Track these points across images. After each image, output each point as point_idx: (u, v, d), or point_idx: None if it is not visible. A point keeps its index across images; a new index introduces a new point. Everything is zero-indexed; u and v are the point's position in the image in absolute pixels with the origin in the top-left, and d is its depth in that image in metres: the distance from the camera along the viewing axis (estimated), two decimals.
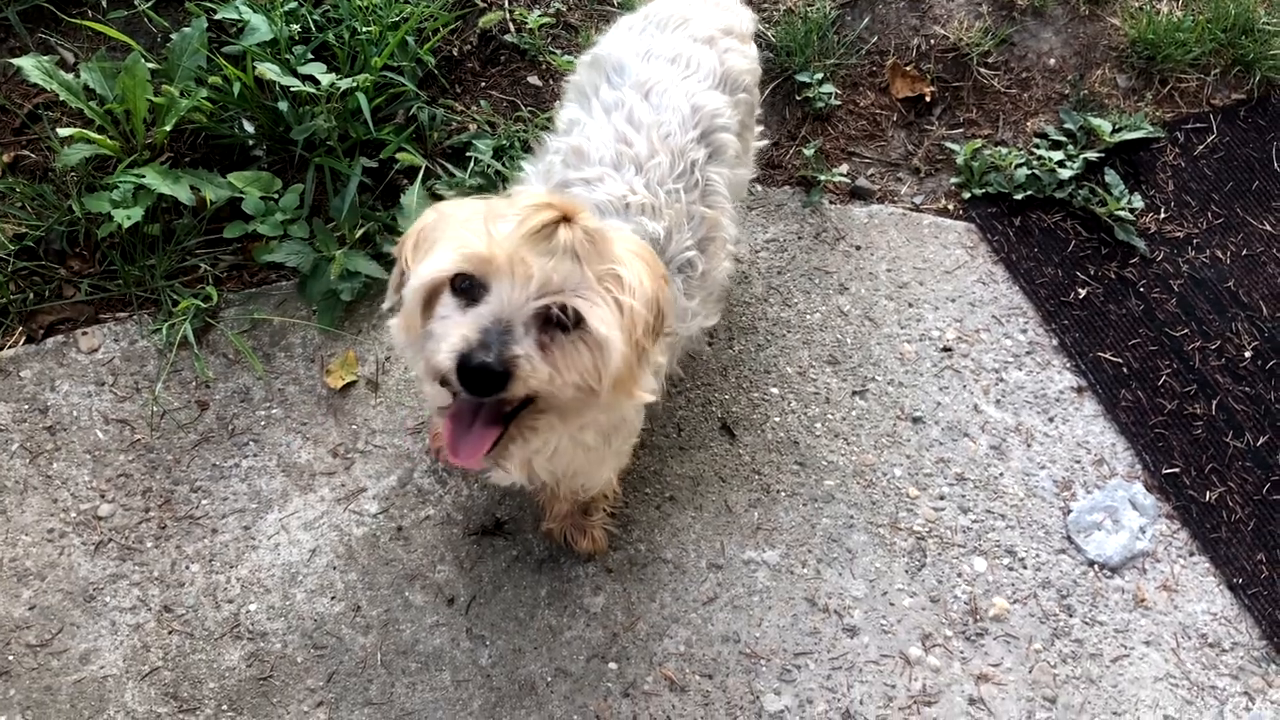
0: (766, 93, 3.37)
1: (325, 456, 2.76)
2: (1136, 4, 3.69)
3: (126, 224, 2.71)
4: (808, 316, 3.10)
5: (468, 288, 1.71)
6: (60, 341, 2.82)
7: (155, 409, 2.77)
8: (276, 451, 2.76)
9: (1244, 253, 3.32)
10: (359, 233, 2.86)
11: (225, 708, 2.49)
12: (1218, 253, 3.31)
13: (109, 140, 2.82)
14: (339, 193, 2.88)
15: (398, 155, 2.85)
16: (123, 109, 2.86)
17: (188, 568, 2.63)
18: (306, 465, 2.75)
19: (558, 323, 1.70)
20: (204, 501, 2.70)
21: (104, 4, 3.10)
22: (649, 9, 2.49)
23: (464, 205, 1.78)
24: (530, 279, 1.66)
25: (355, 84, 2.82)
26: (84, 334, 2.83)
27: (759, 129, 2.77)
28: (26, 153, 2.97)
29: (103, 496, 2.68)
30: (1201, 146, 3.50)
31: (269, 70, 2.77)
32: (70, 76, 2.86)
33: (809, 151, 3.26)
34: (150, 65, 2.89)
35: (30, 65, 2.80)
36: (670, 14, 2.43)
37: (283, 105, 2.84)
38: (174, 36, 2.93)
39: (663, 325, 1.85)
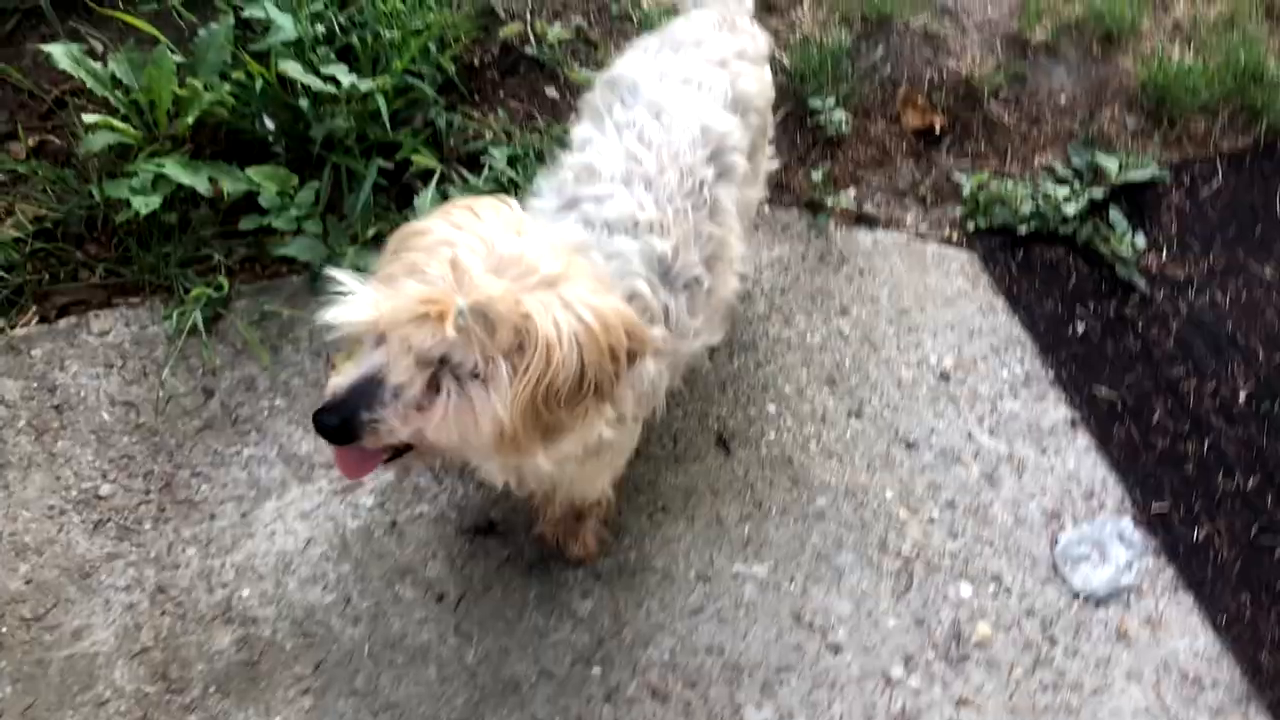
0: (779, 117, 3.43)
1: (325, 449, 2.80)
2: (1148, 48, 3.74)
3: (144, 211, 2.77)
4: (808, 336, 3.14)
5: None
6: (72, 323, 2.88)
7: (161, 393, 2.82)
8: (278, 442, 2.81)
9: (1243, 297, 3.36)
10: (371, 232, 2.91)
11: (213, 690, 2.52)
12: (1217, 295, 3.35)
13: (132, 129, 2.88)
14: (354, 191, 2.94)
15: (413, 158, 2.91)
16: (147, 99, 2.93)
17: (184, 550, 2.67)
18: (306, 456, 2.79)
19: (438, 388, 1.80)
20: (204, 487, 2.74)
21: None
22: (666, 32, 2.54)
23: (450, 231, 1.81)
24: (409, 350, 1.75)
25: (375, 86, 2.88)
26: (96, 316, 2.88)
27: (770, 150, 2.83)
28: (51, 138, 3.04)
29: (104, 476, 2.73)
30: (1206, 190, 3.54)
31: (291, 69, 2.83)
32: (98, 65, 2.93)
33: (818, 176, 3.31)
34: (176, 58, 2.96)
35: (60, 52, 2.87)
36: (685, 37, 2.48)
37: (303, 103, 2.90)
38: (201, 32, 3.00)
39: (592, 391, 1.87)
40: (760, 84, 2.53)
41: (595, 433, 2.08)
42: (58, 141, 3.03)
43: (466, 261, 1.74)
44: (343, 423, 1.79)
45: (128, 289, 2.92)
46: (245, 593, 2.64)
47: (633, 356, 1.93)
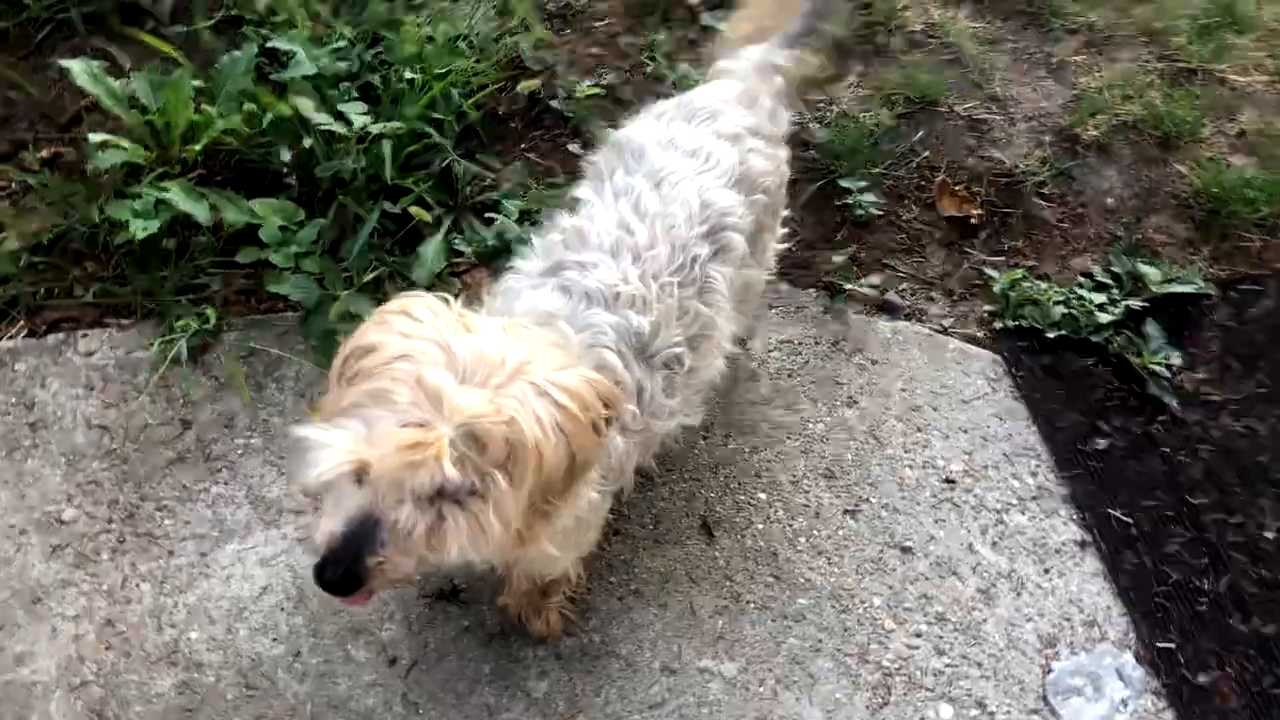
0: (807, 193, 3.32)
1: (296, 494, 2.73)
2: (1208, 155, 3.57)
3: (140, 235, 2.74)
4: (811, 425, 3.01)
5: None
6: (60, 340, 2.84)
7: (137, 421, 2.76)
8: (248, 482, 2.74)
9: None
10: (369, 276, 2.85)
11: None
12: (1255, 423, 3.16)
13: (141, 150, 2.85)
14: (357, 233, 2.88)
15: (411, 209, 2.83)
16: (163, 121, 2.90)
17: (138, 585, 2.60)
18: (275, 500, 2.72)
19: (440, 515, 1.70)
20: (167, 521, 2.68)
21: (166, 18, 3.16)
22: (682, 99, 2.47)
23: (400, 343, 1.71)
24: (402, 488, 1.66)
25: (383, 130, 2.82)
26: (84, 336, 2.85)
27: (782, 231, 2.73)
28: (68, 150, 3.02)
29: (69, 500, 2.68)
30: (1255, 310, 3.35)
31: (303, 104, 2.79)
32: (118, 83, 2.91)
33: (839, 259, 3.19)
34: (197, 83, 2.93)
35: (79, 68, 2.86)
36: (701, 107, 2.40)
37: (307, 141, 2.85)
38: (223, 58, 2.97)
39: (580, 471, 1.82)
40: (774, 163, 2.44)
41: (584, 500, 2.02)
42: (73, 155, 3.01)
43: (434, 380, 1.64)
44: (346, 572, 1.70)
45: (120, 310, 2.89)
46: (194, 635, 2.56)
47: (610, 421, 1.88)
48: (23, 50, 3.14)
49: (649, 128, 2.38)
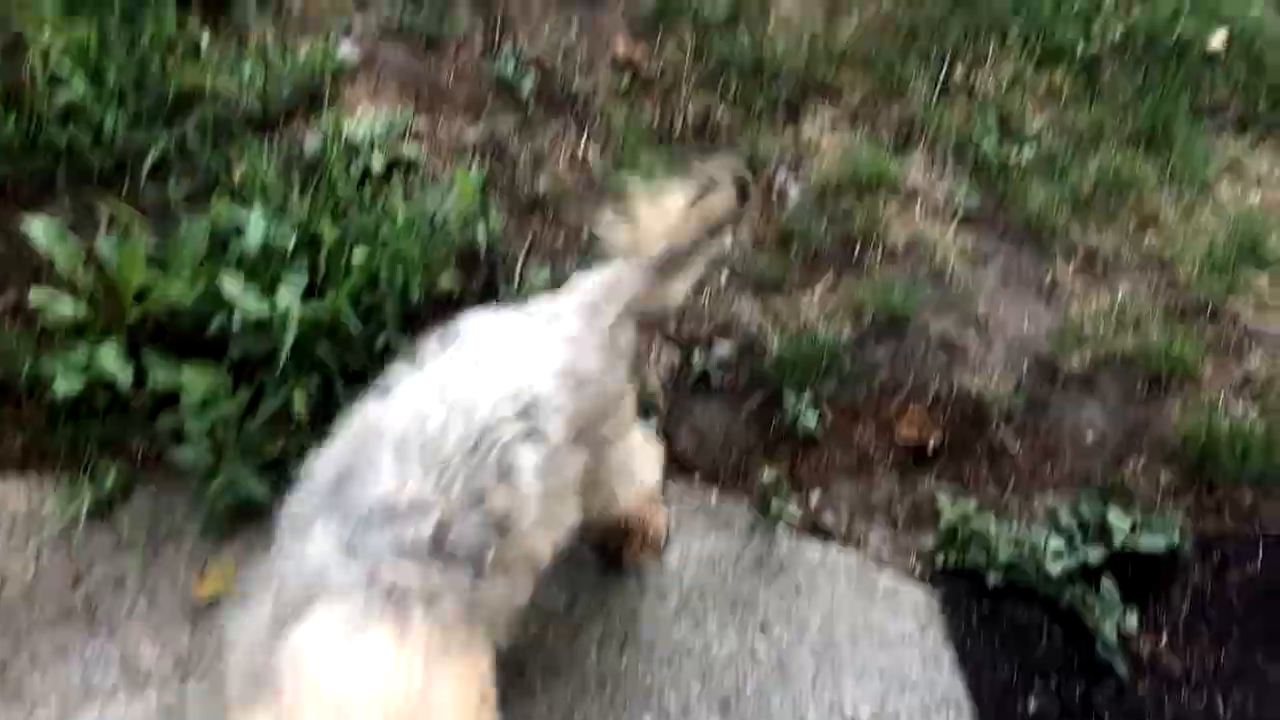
0: (751, 403, 3.22)
1: (167, 665, 2.70)
2: (1205, 398, 3.34)
3: (61, 393, 2.82)
4: (714, 649, 2.85)
5: None
6: None
7: (31, 573, 2.81)
8: (123, 647, 2.73)
9: (1249, 709, 2.86)
10: (276, 453, 2.86)
11: None
12: (1216, 701, 2.87)
13: (83, 308, 2.96)
14: (274, 406, 2.91)
15: (295, 402, 2.84)
16: (119, 280, 3.01)
17: None
18: (146, 669, 2.70)
19: None
20: (36, 676, 2.67)
21: (143, 178, 3.32)
22: (529, 303, 2.43)
23: None
24: None
25: (295, 315, 2.85)
26: (2, 480, 2.93)
27: (658, 449, 2.67)
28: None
29: None
30: (1236, 574, 3.08)
31: (228, 284, 2.85)
32: (75, 243, 3.04)
33: (767, 478, 3.06)
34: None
35: (39, 228, 3.00)
36: (540, 308, 2.38)
37: (216, 323, 2.91)
38: (182, 227, 3.09)
39: None
40: (602, 369, 2.33)
41: None
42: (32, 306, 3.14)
43: None
44: None
45: (46, 459, 2.96)
46: None
47: None
48: (15, 200, 3.32)
49: (483, 318, 2.33)
